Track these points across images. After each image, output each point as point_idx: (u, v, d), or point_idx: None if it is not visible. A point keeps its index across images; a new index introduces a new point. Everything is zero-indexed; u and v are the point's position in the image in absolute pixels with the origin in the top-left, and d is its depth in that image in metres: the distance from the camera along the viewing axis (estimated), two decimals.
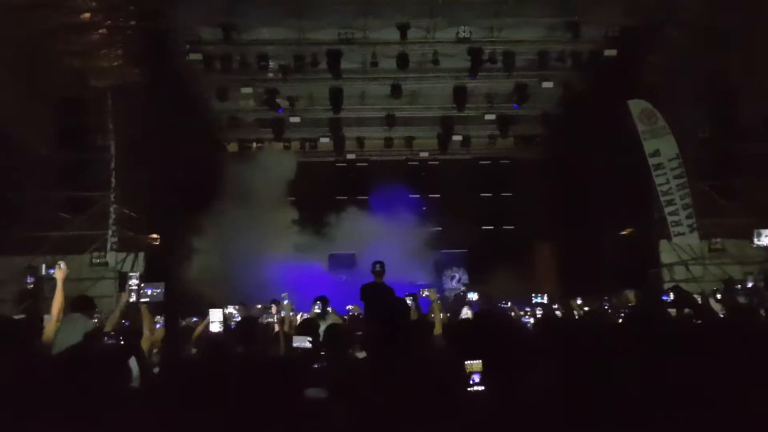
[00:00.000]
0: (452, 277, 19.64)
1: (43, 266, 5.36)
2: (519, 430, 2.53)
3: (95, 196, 15.10)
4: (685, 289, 11.94)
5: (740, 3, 13.04)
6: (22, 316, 6.14)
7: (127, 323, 6.20)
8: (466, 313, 8.13)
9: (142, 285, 4.59)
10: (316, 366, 3.94)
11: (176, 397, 2.72)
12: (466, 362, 2.74)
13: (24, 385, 2.89)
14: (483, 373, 2.69)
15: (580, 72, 16.77)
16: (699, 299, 8.70)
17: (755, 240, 13.50)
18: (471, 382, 2.71)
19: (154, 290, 4.61)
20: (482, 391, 2.68)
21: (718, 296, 9.65)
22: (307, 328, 5.07)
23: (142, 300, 4.57)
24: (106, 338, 4.50)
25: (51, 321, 4.64)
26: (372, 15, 14.86)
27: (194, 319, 8.20)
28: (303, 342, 4.65)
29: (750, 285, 11.51)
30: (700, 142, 15.89)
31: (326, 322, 7.22)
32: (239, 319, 6.20)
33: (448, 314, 8.29)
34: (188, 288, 13.96)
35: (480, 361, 2.71)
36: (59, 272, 5.02)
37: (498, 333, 2.96)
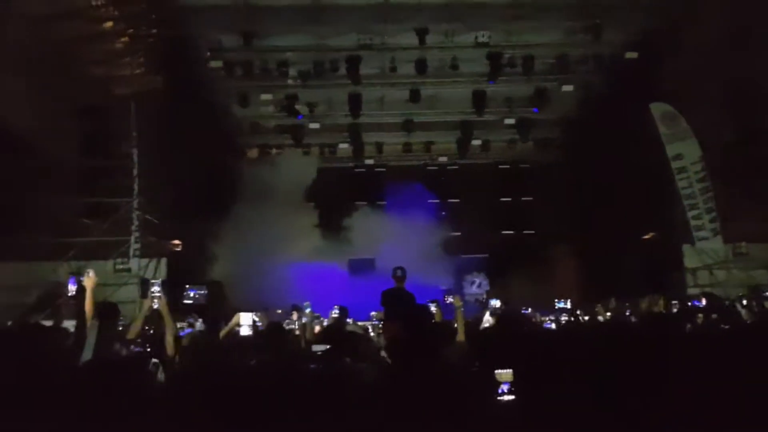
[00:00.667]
0: (472, 282, 19.56)
1: (71, 276, 5.42)
2: None
3: (119, 202, 15.24)
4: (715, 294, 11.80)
5: (763, 3, 12.87)
6: (49, 322, 6.22)
7: (150, 330, 6.24)
8: (487, 319, 8.09)
9: (187, 287, 4.58)
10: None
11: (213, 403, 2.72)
12: (496, 371, 2.71)
13: (53, 391, 2.92)
14: (513, 383, 2.67)
15: (600, 75, 16.66)
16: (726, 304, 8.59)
17: None
18: (500, 391, 2.68)
19: (197, 292, 4.60)
20: (513, 400, 2.65)
21: (744, 302, 9.48)
22: (328, 335, 5.07)
23: (185, 302, 4.55)
24: (132, 346, 4.54)
25: (80, 328, 4.70)
26: (390, 20, 14.89)
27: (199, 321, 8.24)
28: (323, 350, 4.64)
29: None
30: (724, 145, 15.67)
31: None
32: (262, 325, 6.22)
33: (469, 320, 8.25)
34: (211, 292, 14.02)
35: (510, 370, 2.69)
36: (89, 281, 5.11)
37: (524, 341, 2.94)
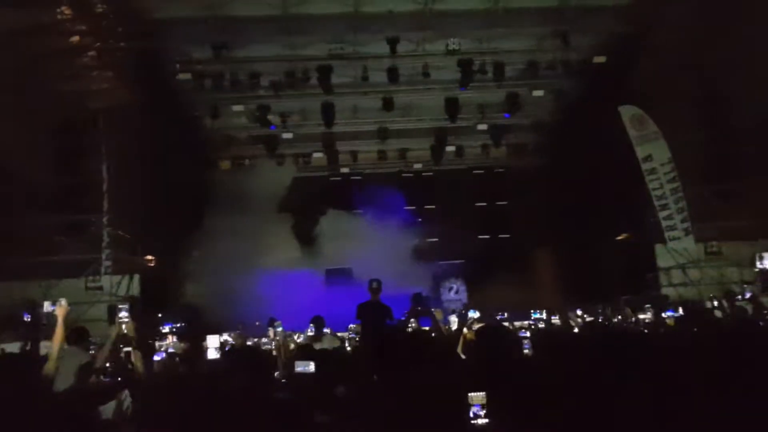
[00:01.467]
0: (450, 288, 19.57)
1: (46, 303, 5.32)
2: None
3: (90, 219, 15.02)
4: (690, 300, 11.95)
5: (730, 4, 13.08)
6: (17, 349, 6.09)
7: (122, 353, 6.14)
8: (453, 320, 8.05)
9: (159, 316, 4.52)
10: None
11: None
12: (469, 394, 2.68)
13: (26, 421, 2.85)
14: (487, 405, 2.64)
15: (570, 80, 16.83)
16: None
17: (757, 263, 13.66)
18: (472, 414, 2.66)
19: (173, 326, 4.50)
20: (486, 424, 2.63)
21: (716, 303, 9.60)
22: (304, 353, 5.00)
23: (164, 331, 4.44)
24: (102, 376, 4.45)
25: (51, 358, 4.61)
26: (361, 30, 14.89)
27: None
28: (306, 366, 4.56)
29: (748, 296, 11.48)
30: (694, 145, 15.91)
31: (322, 344, 7.19)
32: (232, 345, 6.13)
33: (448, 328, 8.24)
34: (185, 310, 13.90)
35: (483, 393, 2.66)
36: (60, 309, 5.02)
37: (500, 361, 2.92)
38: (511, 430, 2.57)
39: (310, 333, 7.55)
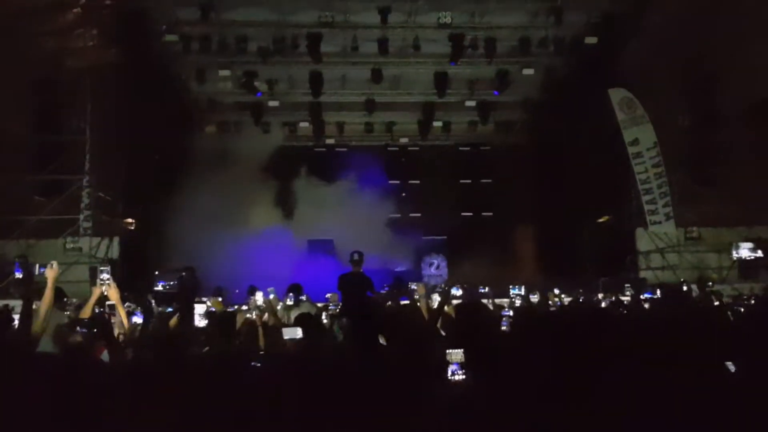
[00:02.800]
0: (431, 264, 19.63)
1: (37, 266, 5.26)
2: (500, 417, 2.50)
3: (70, 179, 14.83)
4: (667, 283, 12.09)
5: None
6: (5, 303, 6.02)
7: (99, 311, 6.09)
8: (436, 299, 8.10)
9: (156, 273, 4.41)
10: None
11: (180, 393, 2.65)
12: (446, 350, 2.73)
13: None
14: (464, 363, 2.69)
15: (561, 58, 16.78)
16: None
17: (734, 252, 13.86)
18: (451, 371, 2.70)
19: (167, 284, 4.44)
20: (462, 380, 2.68)
21: (693, 286, 9.72)
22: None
23: (156, 289, 4.33)
24: (78, 327, 4.42)
25: (39, 318, 4.59)
26: None
27: (169, 309, 8.08)
28: (294, 333, 4.54)
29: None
30: (680, 130, 15.99)
31: (300, 310, 7.18)
32: (212, 311, 6.08)
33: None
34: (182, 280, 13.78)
35: (461, 350, 2.70)
36: (50, 272, 4.98)
37: (479, 327, 2.94)
38: (488, 383, 2.60)
39: (289, 302, 7.53)
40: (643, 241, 16.00)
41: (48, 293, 4.85)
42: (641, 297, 9.71)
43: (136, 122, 15.03)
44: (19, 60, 13.37)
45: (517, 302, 8.96)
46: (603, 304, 9.46)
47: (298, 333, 4.53)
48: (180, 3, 14.91)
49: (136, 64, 14.67)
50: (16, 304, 6.54)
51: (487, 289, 12.10)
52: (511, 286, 9.38)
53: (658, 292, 9.25)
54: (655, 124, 15.65)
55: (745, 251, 14.22)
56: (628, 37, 15.22)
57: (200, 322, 5.34)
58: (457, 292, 7.56)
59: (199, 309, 5.57)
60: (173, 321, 5.51)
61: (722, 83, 14.88)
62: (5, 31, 12.82)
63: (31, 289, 4.90)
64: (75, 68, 14.75)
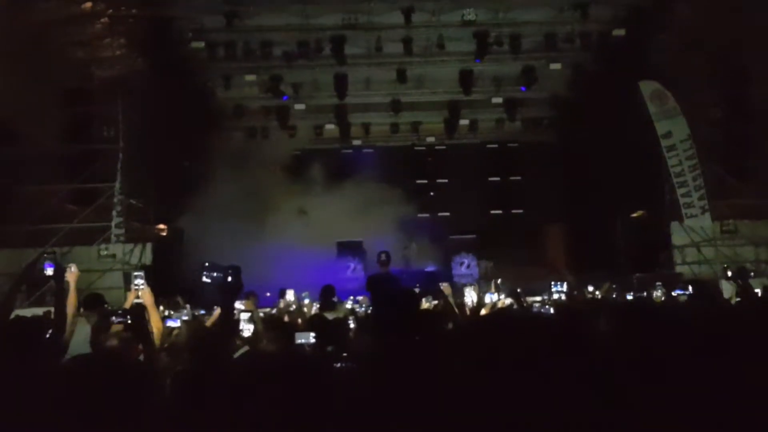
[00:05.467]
0: (461, 263, 19.46)
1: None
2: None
3: (102, 187, 15.04)
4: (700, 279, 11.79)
5: None
6: (39, 312, 6.06)
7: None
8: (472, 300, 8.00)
9: (207, 264, 4.29)
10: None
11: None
12: None
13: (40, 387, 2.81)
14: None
15: (588, 53, 16.55)
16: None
17: None
18: None
19: (215, 273, 4.28)
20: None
21: (729, 273, 9.35)
22: (313, 323, 4.94)
23: (204, 279, 4.25)
24: (114, 317, 4.42)
25: (66, 323, 4.59)
26: None
27: (202, 311, 8.11)
28: (306, 338, 4.42)
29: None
30: (713, 122, 15.65)
31: (337, 313, 7.14)
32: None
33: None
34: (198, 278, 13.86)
35: None
36: (71, 275, 4.97)
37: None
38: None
39: (316, 304, 7.49)
40: (677, 235, 15.67)
41: (71, 297, 4.84)
42: (672, 294, 9.45)
43: (165, 129, 15.19)
44: (49, 71, 13.61)
45: (556, 297, 8.77)
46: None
47: (310, 338, 4.43)
48: (205, 11, 15.05)
49: (163, 72, 14.83)
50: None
51: (519, 291, 11.95)
52: (552, 282, 9.17)
53: (690, 288, 8.97)
54: (686, 117, 15.34)
55: None
56: (655, 30, 14.95)
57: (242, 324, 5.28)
58: (493, 296, 7.43)
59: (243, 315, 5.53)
60: (210, 321, 5.49)
61: (754, 74, 14.52)
62: (35, 43, 13.05)
63: (63, 288, 4.87)
64: (104, 77, 14.97)
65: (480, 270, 18.81)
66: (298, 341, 4.35)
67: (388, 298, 4.00)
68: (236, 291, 3.97)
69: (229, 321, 4.69)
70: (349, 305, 8.72)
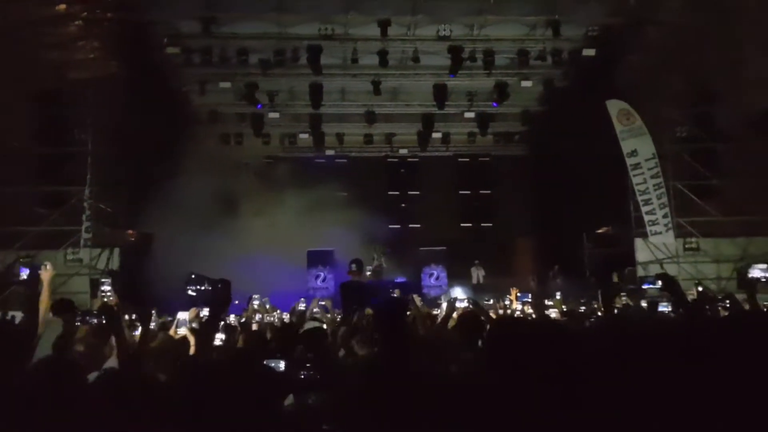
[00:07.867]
0: (431, 275, 19.61)
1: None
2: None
3: (71, 190, 14.88)
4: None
5: (719, 3, 13.16)
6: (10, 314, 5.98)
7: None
8: (442, 309, 8.08)
9: (193, 276, 4.20)
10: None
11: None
12: None
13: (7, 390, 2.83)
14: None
15: (559, 70, 16.88)
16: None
17: (749, 273, 13.66)
18: None
19: (199, 287, 4.16)
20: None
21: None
22: (286, 336, 4.92)
23: (189, 293, 4.15)
24: (87, 317, 4.40)
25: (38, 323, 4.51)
26: (353, 10, 14.79)
27: (169, 318, 8.07)
28: (276, 364, 3.97)
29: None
30: (678, 141, 16.07)
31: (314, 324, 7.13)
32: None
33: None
34: (162, 284, 13.77)
35: None
36: (45, 273, 4.90)
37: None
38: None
39: (300, 307, 7.47)
40: (642, 251, 16.01)
41: (44, 295, 4.77)
42: (642, 287, 9.61)
43: (137, 134, 15.09)
44: (21, 72, 13.45)
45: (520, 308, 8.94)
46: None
47: (280, 365, 4.00)
48: (181, 16, 15.01)
49: (137, 76, 14.75)
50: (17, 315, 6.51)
51: (491, 302, 12.11)
52: (519, 293, 9.35)
53: (659, 282, 9.14)
54: (653, 136, 15.73)
55: (757, 272, 14.04)
56: (626, 50, 15.31)
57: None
58: (462, 303, 7.56)
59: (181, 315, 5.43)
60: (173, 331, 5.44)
61: (721, 95, 14.95)
62: (7, 43, 12.90)
63: (36, 292, 4.83)
64: (77, 80, 14.83)
65: (473, 277, 19.23)
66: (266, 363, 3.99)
67: (379, 304, 4.04)
68: (225, 305, 3.88)
69: (215, 331, 4.66)
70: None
